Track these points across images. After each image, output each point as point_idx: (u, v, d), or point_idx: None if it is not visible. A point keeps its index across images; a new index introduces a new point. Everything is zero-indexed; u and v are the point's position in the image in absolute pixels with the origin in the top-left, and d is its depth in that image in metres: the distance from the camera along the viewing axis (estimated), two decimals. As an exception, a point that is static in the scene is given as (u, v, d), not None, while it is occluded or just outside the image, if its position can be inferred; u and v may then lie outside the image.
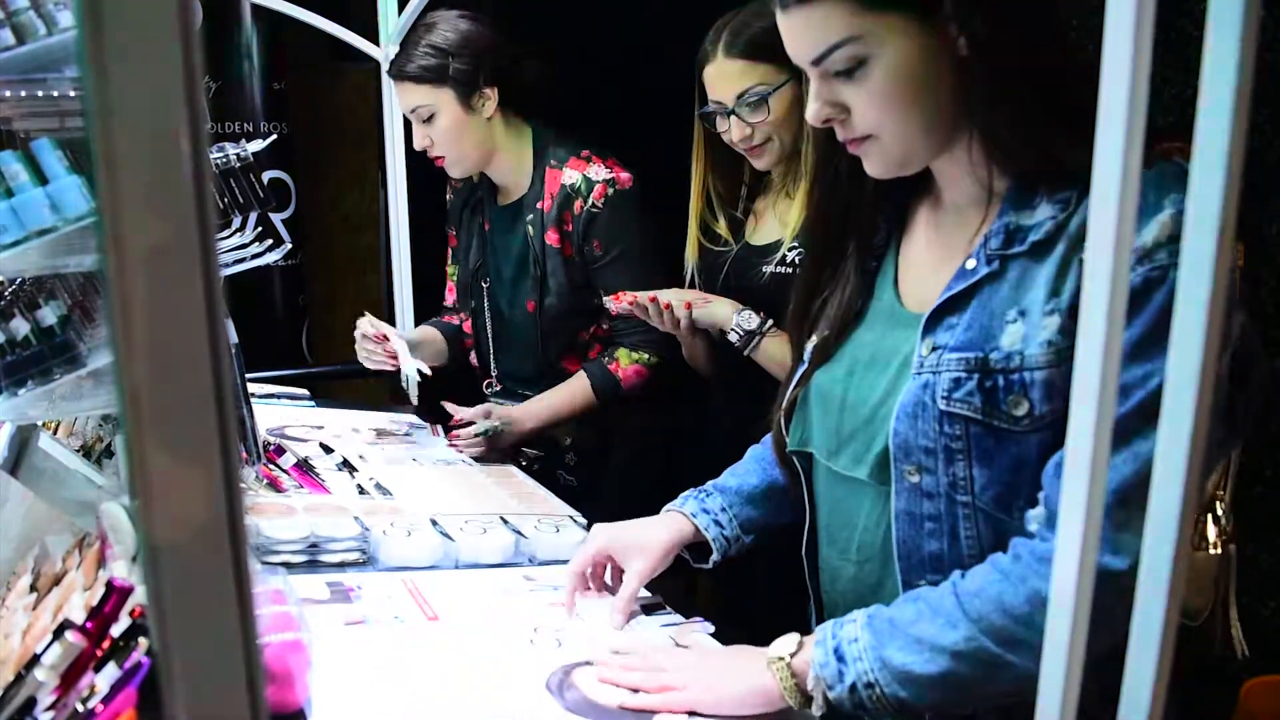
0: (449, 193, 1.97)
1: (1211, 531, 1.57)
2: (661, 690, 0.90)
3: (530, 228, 1.74)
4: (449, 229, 1.99)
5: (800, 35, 0.83)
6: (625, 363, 1.74)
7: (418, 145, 1.74)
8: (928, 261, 0.94)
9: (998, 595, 0.80)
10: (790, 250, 1.50)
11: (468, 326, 1.95)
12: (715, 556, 1.10)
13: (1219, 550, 1.57)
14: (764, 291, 1.50)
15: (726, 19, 1.45)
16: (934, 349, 0.86)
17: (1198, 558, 1.56)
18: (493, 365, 1.92)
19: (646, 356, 1.74)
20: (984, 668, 0.80)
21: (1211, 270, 0.48)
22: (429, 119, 1.68)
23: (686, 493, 1.15)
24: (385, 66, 2.07)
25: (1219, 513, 1.57)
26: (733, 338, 1.47)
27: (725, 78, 1.44)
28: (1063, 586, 0.55)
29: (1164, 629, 0.53)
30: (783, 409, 1.03)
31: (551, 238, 1.72)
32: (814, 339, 1.01)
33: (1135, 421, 0.74)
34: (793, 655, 0.87)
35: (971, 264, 0.86)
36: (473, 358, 1.99)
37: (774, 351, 1.46)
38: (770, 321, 1.46)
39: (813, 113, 0.86)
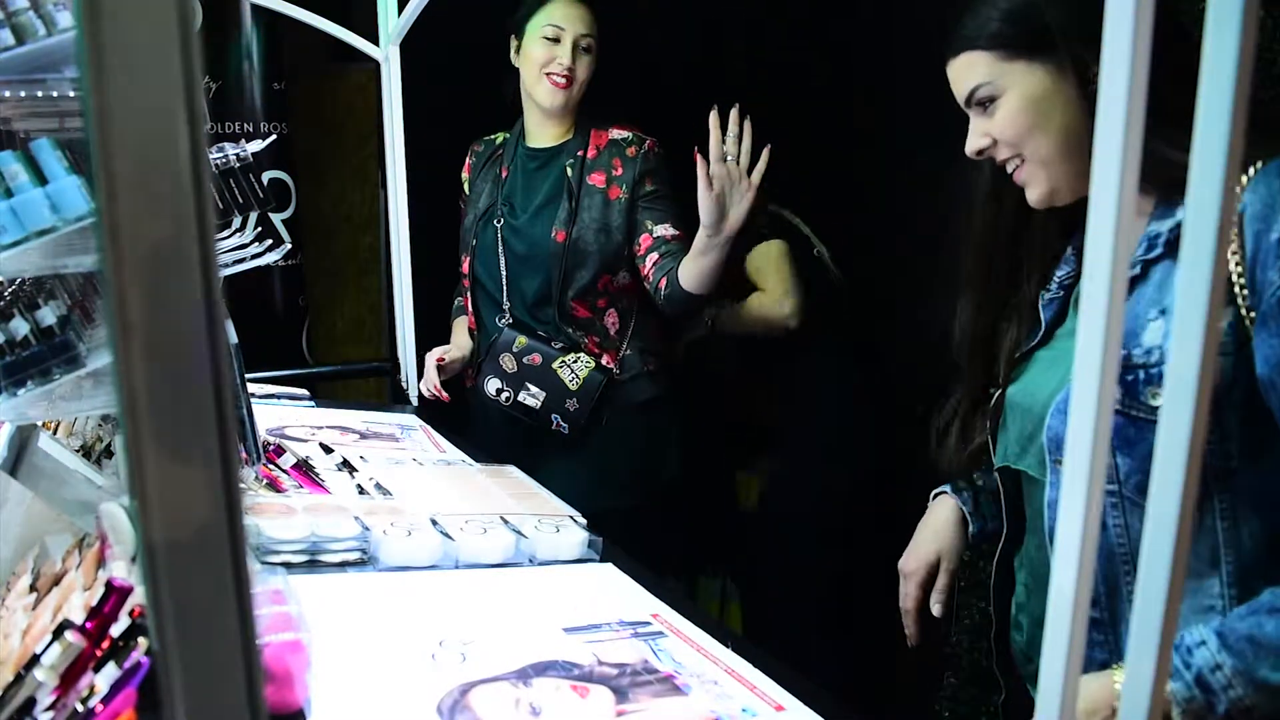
0: (465, 170, 2.13)
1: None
2: None
3: (569, 169, 1.96)
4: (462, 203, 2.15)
5: (956, 82, 1.05)
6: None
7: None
8: None
9: None
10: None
11: (465, 268, 2.08)
12: (973, 529, 1.22)
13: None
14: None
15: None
16: None
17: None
18: (505, 297, 2.03)
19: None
20: None
21: (1211, 270, 0.48)
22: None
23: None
24: (385, 66, 2.08)
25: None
26: None
27: None
28: (1063, 585, 0.55)
29: (1163, 629, 0.53)
30: (986, 428, 1.13)
31: (596, 179, 1.95)
32: (1003, 358, 1.12)
33: None
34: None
35: None
36: (466, 303, 2.10)
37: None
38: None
39: (969, 145, 1.04)
